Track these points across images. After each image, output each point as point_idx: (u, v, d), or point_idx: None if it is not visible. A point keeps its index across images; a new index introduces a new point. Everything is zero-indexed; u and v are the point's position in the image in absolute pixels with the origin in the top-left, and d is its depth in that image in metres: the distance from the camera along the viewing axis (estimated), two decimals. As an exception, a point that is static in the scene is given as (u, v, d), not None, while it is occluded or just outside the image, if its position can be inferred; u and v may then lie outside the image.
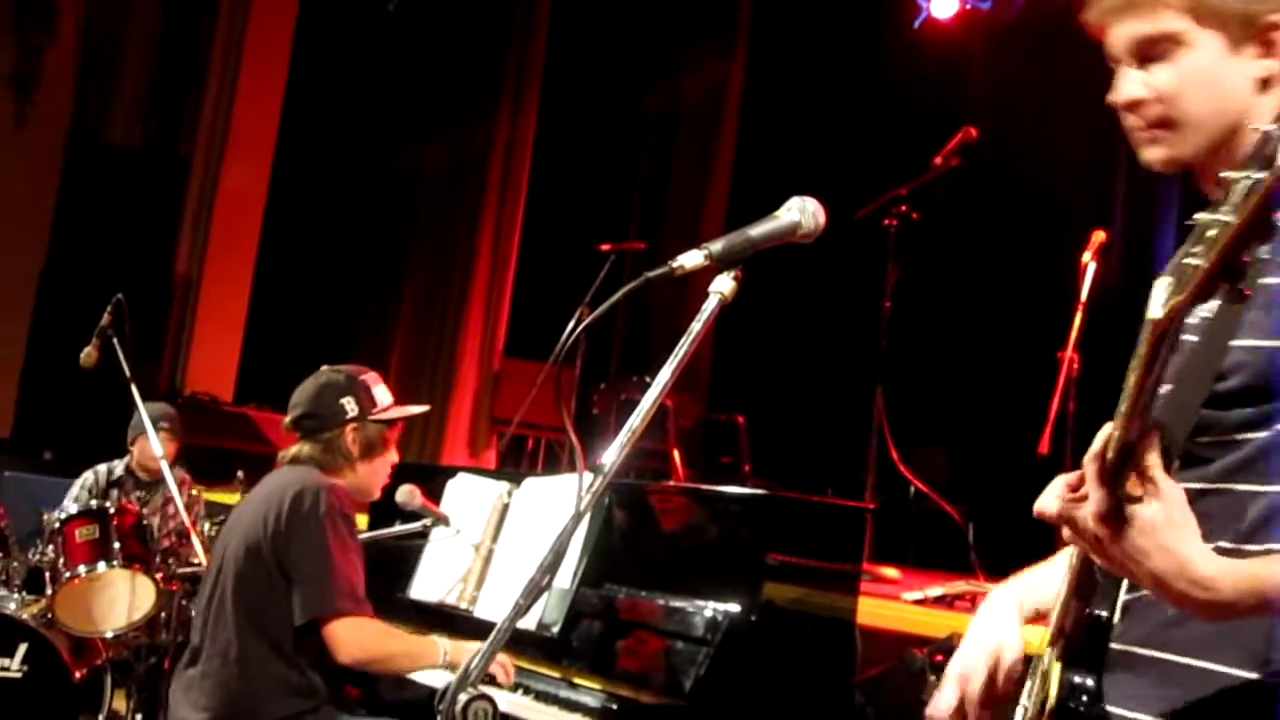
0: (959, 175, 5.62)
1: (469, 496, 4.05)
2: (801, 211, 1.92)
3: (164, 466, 4.95)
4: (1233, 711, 1.54)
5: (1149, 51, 1.67)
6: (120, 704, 5.19)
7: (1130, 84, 1.69)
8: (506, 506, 3.91)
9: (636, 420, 1.78)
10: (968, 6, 7.76)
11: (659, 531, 3.70)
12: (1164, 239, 6.78)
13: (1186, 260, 1.16)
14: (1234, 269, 1.13)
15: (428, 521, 3.89)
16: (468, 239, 10.40)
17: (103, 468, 6.10)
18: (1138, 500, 1.35)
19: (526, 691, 3.36)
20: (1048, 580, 1.79)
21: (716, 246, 1.86)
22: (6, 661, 4.68)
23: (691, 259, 1.85)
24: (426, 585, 4.02)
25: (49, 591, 4.92)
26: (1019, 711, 1.72)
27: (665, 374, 1.80)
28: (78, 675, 4.80)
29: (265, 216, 10.16)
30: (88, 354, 4.96)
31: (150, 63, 10.04)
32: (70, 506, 5.26)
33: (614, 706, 3.16)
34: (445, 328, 10.38)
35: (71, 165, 9.53)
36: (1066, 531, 1.44)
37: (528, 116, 10.49)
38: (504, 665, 3.33)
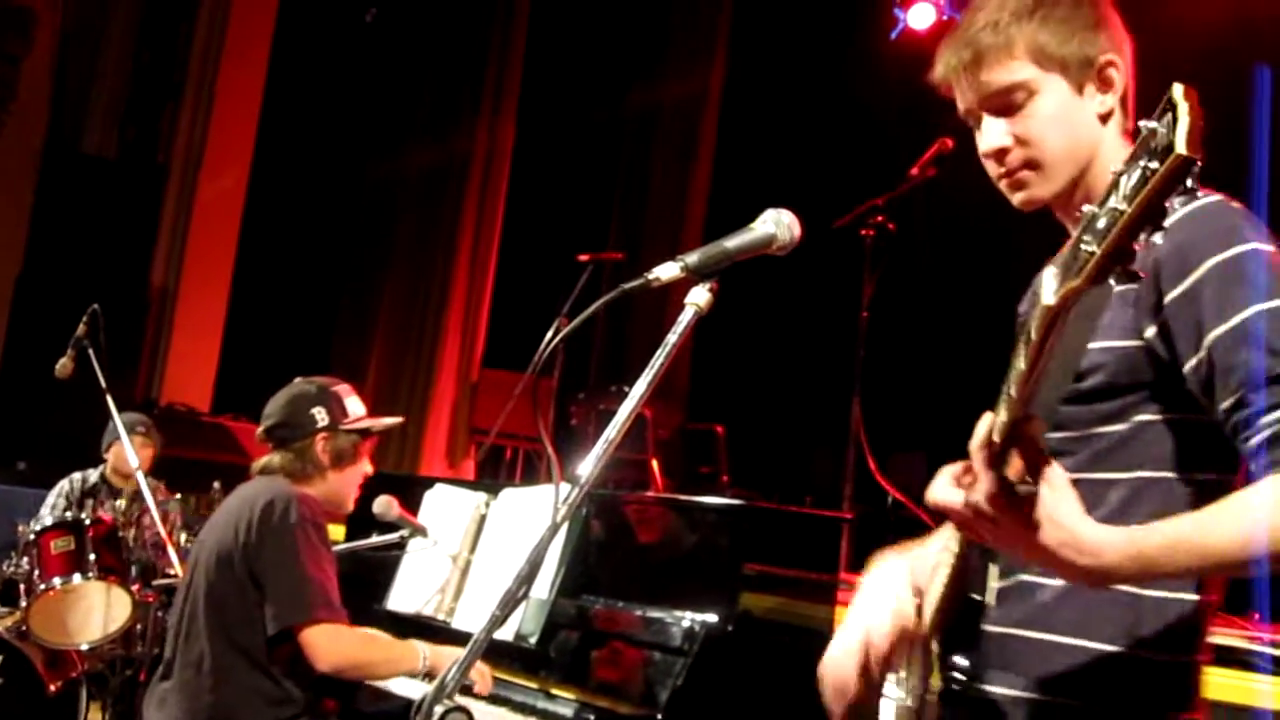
0: (935, 186, 5.64)
1: (446, 507, 4.04)
2: (777, 224, 1.94)
3: (139, 476, 4.93)
4: (1104, 684, 1.68)
5: (1005, 101, 1.82)
6: (95, 717, 5.16)
7: (994, 134, 1.83)
8: (484, 517, 3.90)
9: (612, 431, 1.79)
10: (945, 18, 7.80)
11: (636, 542, 3.70)
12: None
13: (1081, 247, 1.22)
14: (1126, 253, 1.19)
15: (405, 532, 3.88)
16: (446, 249, 10.40)
17: (78, 476, 6.09)
18: (1024, 480, 1.44)
19: (504, 702, 3.35)
20: (926, 560, 1.91)
21: (692, 259, 1.87)
22: (-20, 674, 4.65)
23: (667, 271, 1.86)
24: (404, 596, 4.01)
25: (23, 604, 4.89)
26: (894, 699, 1.87)
27: (641, 385, 1.81)
28: (52, 688, 4.77)
29: (242, 226, 10.13)
30: (63, 365, 4.93)
31: (127, 72, 10.02)
32: (46, 517, 5.24)
33: (591, 717, 3.16)
34: (423, 338, 10.38)
35: (48, 174, 9.48)
36: (957, 518, 1.52)
37: (506, 127, 10.50)
38: (482, 673, 3.32)
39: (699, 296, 1.86)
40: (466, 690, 3.17)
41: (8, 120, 9.49)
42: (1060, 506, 1.45)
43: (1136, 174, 1.18)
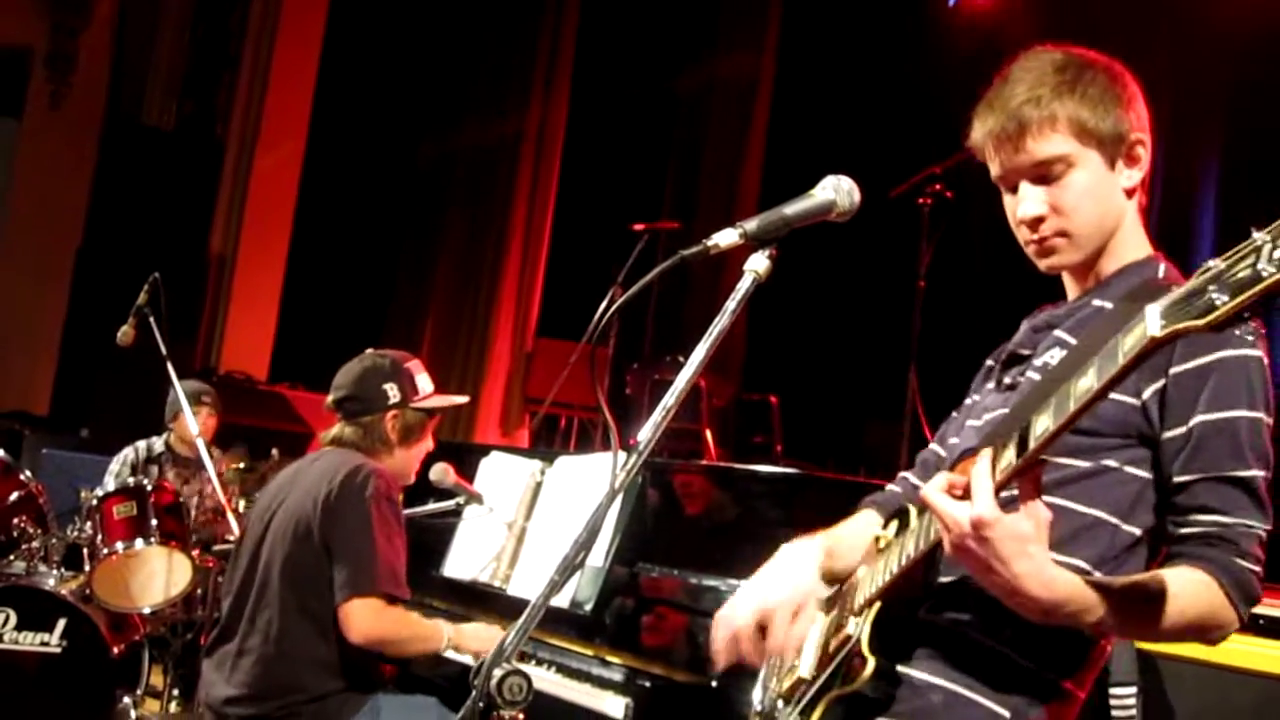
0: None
1: (502, 475, 4.06)
2: (837, 190, 1.92)
3: (200, 444, 5.00)
4: (1003, 686, 1.83)
5: (1044, 172, 1.91)
6: (157, 679, 5.25)
7: (1032, 203, 1.93)
8: (539, 485, 3.92)
9: (671, 399, 1.78)
10: (1003, -14, 7.71)
11: (692, 511, 3.70)
12: (1202, 216, 6.73)
13: (1208, 295, 1.32)
14: (1248, 314, 1.29)
15: (461, 500, 3.90)
16: (501, 218, 10.41)
17: (142, 444, 6.17)
18: (1015, 512, 1.58)
19: (559, 669, 3.38)
20: (850, 543, 2.09)
21: (751, 225, 1.86)
22: (46, 636, 4.73)
23: (726, 237, 1.85)
24: (460, 563, 4.05)
25: (87, 568, 4.97)
26: (807, 659, 1.99)
27: (700, 352, 1.80)
28: (116, 650, 4.85)
29: (299, 196, 10.19)
30: (125, 333, 5.00)
31: (185, 45, 10.09)
32: (109, 483, 5.31)
33: (646, 684, 3.17)
34: (478, 307, 10.40)
35: (107, 147, 9.59)
36: (943, 523, 1.63)
37: (561, 96, 10.48)
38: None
39: (758, 263, 1.85)
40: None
41: (68, 93, 9.60)
42: (1038, 545, 1.60)
43: None
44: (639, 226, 6.82)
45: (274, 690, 3.26)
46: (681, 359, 1.84)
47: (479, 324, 10.37)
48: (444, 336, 10.52)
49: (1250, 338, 1.77)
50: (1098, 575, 1.73)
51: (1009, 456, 1.59)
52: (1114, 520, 1.82)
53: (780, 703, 2.03)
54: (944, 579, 1.90)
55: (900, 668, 1.89)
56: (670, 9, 10.02)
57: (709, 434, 7.57)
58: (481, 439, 9.71)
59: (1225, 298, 1.30)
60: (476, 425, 10.03)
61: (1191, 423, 1.75)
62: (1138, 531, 1.82)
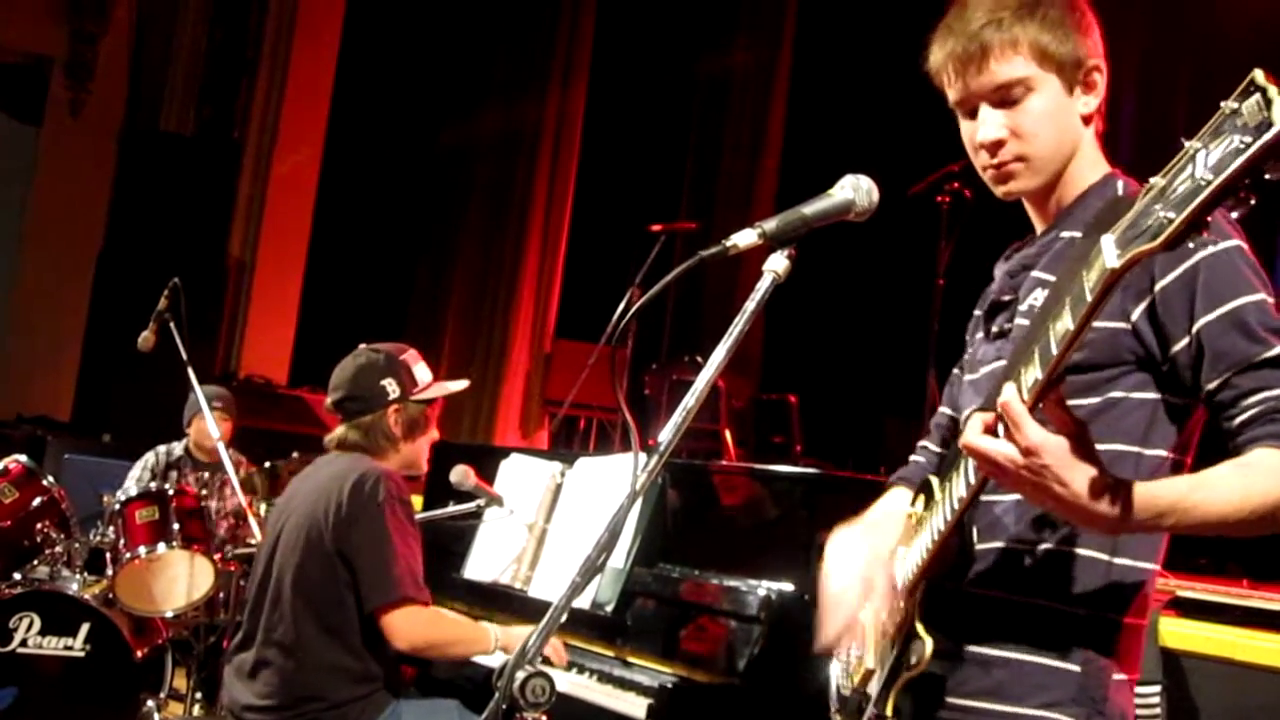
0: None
1: (522, 477, 4.06)
2: (855, 189, 1.92)
3: (220, 448, 5.01)
4: (1073, 640, 1.82)
5: (1004, 95, 1.92)
6: (180, 682, 5.27)
7: (991, 126, 1.93)
8: (560, 486, 3.92)
9: (691, 399, 1.78)
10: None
11: (712, 511, 3.70)
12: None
13: (1156, 214, 1.31)
14: (1204, 222, 1.28)
15: (481, 502, 3.90)
16: (518, 221, 10.43)
17: (162, 449, 6.20)
18: (1057, 433, 1.56)
19: (581, 670, 3.38)
20: (885, 524, 2.05)
21: (770, 225, 1.86)
22: (70, 641, 4.76)
23: (745, 238, 1.85)
24: (481, 565, 4.05)
25: (110, 572, 4.99)
26: (875, 644, 1.97)
27: (720, 352, 1.80)
28: (139, 654, 4.87)
29: (317, 200, 10.23)
30: (145, 338, 5.03)
31: (202, 50, 10.13)
32: (131, 488, 5.34)
33: (668, 685, 3.17)
34: (496, 309, 10.42)
35: (126, 152, 9.63)
36: (993, 466, 1.61)
37: (577, 97, 10.49)
38: (556, 648, 3.34)
39: (777, 263, 1.85)
40: (543, 663, 3.18)
41: (87, 99, 9.65)
42: (1091, 460, 1.58)
43: (1223, 148, 1.24)
44: (656, 227, 6.82)
45: (293, 698, 3.26)
46: (699, 359, 1.84)
47: (498, 326, 10.39)
48: (463, 339, 10.54)
49: (1224, 227, 1.75)
50: (1163, 480, 1.69)
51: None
52: (1134, 449, 1.82)
53: (857, 697, 2.02)
54: (981, 546, 1.89)
55: (961, 643, 1.88)
56: (688, 4, 10.01)
57: (728, 434, 7.56)
58: (501, 441, 9.72)
59: (1172, 214, 1.28)
60: (496, 427, 10.05)
61: (1194, 329, 1.74)
62: (1162, 453, 1.82)
